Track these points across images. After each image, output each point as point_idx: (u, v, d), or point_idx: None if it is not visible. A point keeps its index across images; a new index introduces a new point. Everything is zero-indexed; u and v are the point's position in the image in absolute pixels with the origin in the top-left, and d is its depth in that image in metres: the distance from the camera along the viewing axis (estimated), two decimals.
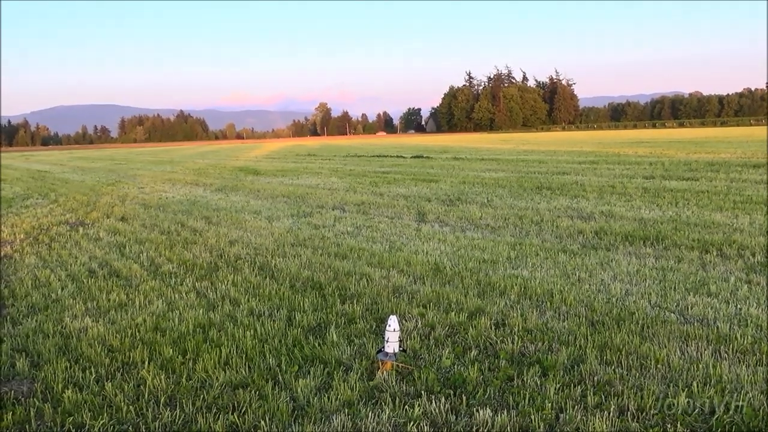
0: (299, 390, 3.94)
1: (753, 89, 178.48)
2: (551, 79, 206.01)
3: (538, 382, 3.96)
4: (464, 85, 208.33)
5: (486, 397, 3.81)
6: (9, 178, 27.48)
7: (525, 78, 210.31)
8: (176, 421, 3.66)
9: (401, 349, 4.27)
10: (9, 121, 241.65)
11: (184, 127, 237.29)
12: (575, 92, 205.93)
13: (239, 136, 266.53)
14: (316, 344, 4.71)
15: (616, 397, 3.71)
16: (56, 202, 15.67)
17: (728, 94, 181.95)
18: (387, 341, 4.16)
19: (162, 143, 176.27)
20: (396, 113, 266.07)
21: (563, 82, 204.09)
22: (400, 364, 4.20)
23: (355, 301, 5.76)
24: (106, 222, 11.67)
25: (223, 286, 6.52)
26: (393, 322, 4.16)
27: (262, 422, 3.58)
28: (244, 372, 4.26)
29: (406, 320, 5.19)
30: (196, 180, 22.02)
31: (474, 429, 3.47)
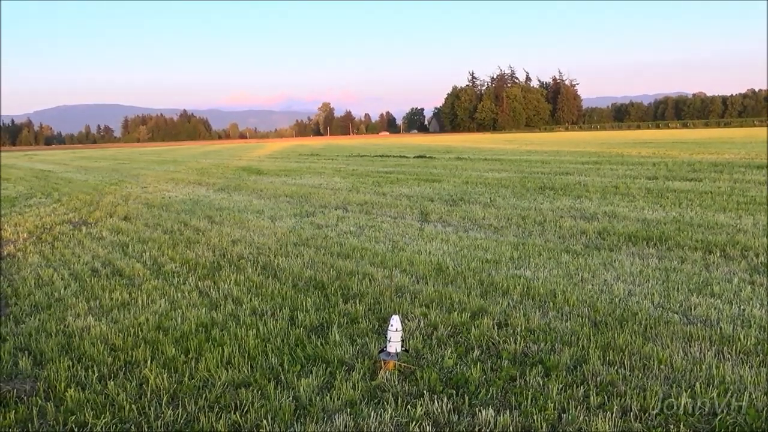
0: (301, 389, 3.94)
1: (757, 90, 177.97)
2: (554, 79, 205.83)
3: (541, 383, 3.95)
4: (467, 86, 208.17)
5: (488, 397, 3.81)
6: (12, 177, 27.55)
7: (528, 78, 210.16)
8: (178, 420, 3.66)
9: (403, 348, 4.26)
10: (12, 121, 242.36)
11: (187, 127, 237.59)
12: (578, 92, 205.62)
13: (242, 136, 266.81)
14: (319, 344, 4.71)
15: (618, 398, 3.70)
16: (59, 202, 15.70)
17: (732, 95, 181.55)
18: (389, 341, 4.15)
19: (165, 143, 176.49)
20: (399, 113, 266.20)
21: (566, 82, 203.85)
22: (403, 364, 4.20)
23: (357, 301, 5.76)
24: (109, 221, 11.69)
25: (226, 286, 6.52)
26: (395, 321, 4.15)
27: (264, 421, 3.58)
28: (246, 371, 4.26)
29: (408, 320, 5.18)
30: (199, 179, 22.04)
31: (476, 429, 3.46)
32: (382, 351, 4.24)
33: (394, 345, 4.15)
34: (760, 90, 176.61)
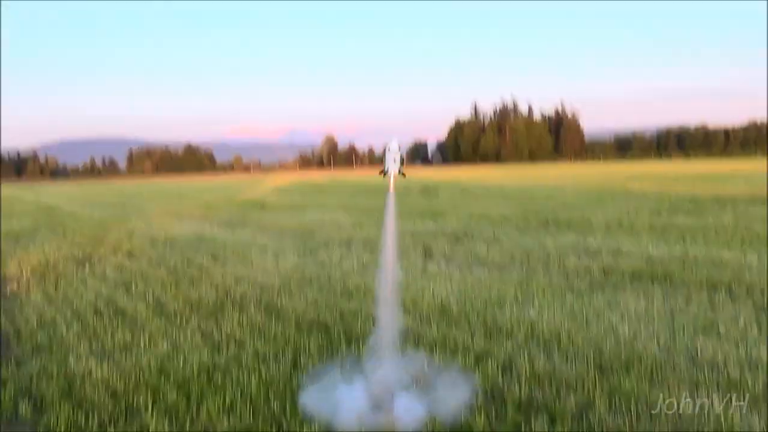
0: None
1: (758, 123, 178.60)
2: (557, 111, 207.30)
3: (547, 430, 3.90)
4: (470, 119, 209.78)
5: None
6: (17, 211, 27.67)
7: (530, 110, 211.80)
8: None
9: (400, 172, 4.70)
10: (18, 154, 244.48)
11: (192, 160, 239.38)
12: (581, 125, 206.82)
13: (246, 169, 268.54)
14: None
15: None
16: (64, 237, 15.73)
17: (734, 128, 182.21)
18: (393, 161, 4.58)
19: (170, 175, 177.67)
20: (402, 144, 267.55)
21: (569, 114, 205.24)
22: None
23: (361, 343, 5.71)
24: (113, 259, 11.69)
25: (229, 326, 6.49)
26: (391, 142, 4.57)
27: None
28: (248, 419, 4.21)
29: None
30: (203, 214, 22.11)
31: None
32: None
33: (387, 165, 4.55)
34: (762, 123, 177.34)
